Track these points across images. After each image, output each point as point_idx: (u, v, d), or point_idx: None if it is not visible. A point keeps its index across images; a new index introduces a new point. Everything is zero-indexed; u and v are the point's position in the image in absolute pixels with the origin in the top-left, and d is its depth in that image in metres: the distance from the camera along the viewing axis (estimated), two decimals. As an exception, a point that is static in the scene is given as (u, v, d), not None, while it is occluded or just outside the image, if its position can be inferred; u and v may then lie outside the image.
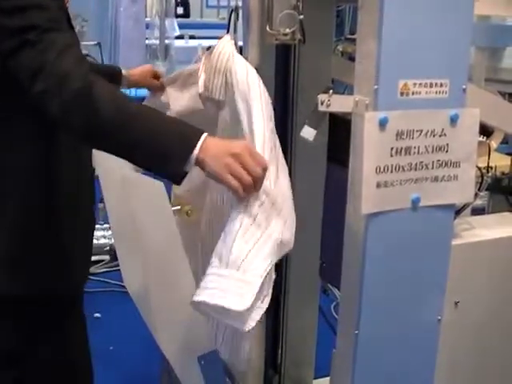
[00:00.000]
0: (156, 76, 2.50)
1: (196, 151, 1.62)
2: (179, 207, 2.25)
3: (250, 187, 1.64)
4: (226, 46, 2.07)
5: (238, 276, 1.61)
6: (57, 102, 1.62)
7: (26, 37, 1.64)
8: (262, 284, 1.63)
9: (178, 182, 1.67)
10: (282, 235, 1.71)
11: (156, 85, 2.48)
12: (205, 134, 1.65)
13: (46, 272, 1.95)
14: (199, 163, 1.63)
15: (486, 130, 2.45)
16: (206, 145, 1.63)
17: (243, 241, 1.65)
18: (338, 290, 2.15)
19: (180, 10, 11.15)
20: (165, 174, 1.68)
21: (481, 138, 2.25)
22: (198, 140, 1.63)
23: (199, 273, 2.13)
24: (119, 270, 2.46)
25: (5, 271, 1.91)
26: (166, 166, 1.65)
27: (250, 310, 1.60)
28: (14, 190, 1.88)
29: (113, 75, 2.39)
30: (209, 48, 2.21)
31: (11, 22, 1.65)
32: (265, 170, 1.66)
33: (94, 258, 4.69)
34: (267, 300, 1.66)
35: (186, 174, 1.64)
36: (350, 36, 2.94)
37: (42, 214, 1.92)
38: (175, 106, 2.36)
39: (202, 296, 1.60)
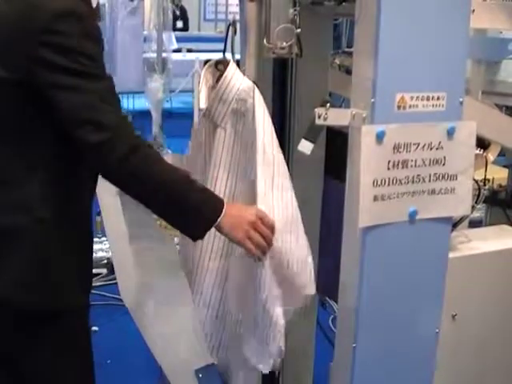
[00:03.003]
0: None
1: (219, 219, 1.87)
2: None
3: (264, 250, 1.93)
4: (234, 75, 2.06)
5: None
6: (109, 156, 1.77)
7: (73, 82, 1.74)
8: None
9: (196, 240, 1.96)
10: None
11: None
12: (226, 204, 1.89)
13: (60, 287, 1.96)
14: (218, 227, 1.89)
15: (482, 143, 2.45)
16: (226, 213, 1.88)
17: None
18: (336, 303, 2.15)
19: (179, 24, 11.19)
20: (190, 235, 1.93)
21: (478, 151, 2.26)
22: (222, 210, 1.87)
23: (194, 274, 2.22)
24: (116, 283, 2.45)
25: (23, 288, 1.92)
26: (191, 229, 1.91)
27: None
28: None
29: None
30: (206, 62, 2.21)
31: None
32: (274, 231, 1.93)
33: (91, 272, 4.70)
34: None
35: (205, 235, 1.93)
36: (347, 49, 2.94)
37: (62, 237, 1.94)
38: None
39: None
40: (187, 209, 1.86)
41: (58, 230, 1.91)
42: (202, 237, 1.92)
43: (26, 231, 1.88)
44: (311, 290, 2.08)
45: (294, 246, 2.00)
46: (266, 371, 2.10)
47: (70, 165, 1.89)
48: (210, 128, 2.17)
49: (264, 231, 1.91)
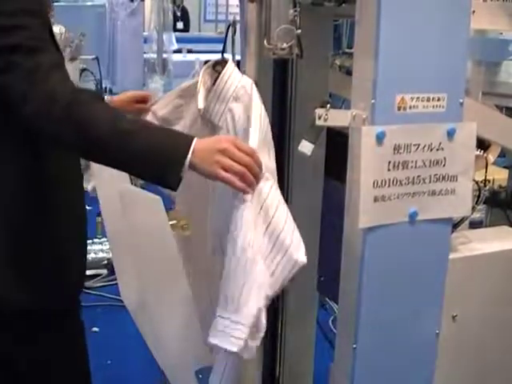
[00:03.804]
0: (143, 99, 2.37)
1: (189, 156, 1.69)
2: (175, 221, 2.25)
3: (244, 176, 1.72)
4: (232, 74, 2.06)
5: (234, 319, 1.75)
6: (48, 122, 1.69)
7: (11, 58, 1.70)
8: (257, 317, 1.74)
9: (175, 188, 1.74)
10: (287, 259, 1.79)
11: (143, 109, 2.36)
12: (195, 139, 1.72)
13: (46, 284, 1.96)
14: (192, 167, 1.71)
15: (483, 144, 2.45)
16: (196, 148, 1.70)
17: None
18: (336, 303, 2.15)
19: (180, 25, 11.20)
20: (161, 181, 1.76)
21: (478, 152, 2.26)
22: (190, 146, 1.70)
23: (193, 286, 2.17)
24: (117, 284, 2.45)
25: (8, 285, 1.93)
26: (162, 175, 1.73)
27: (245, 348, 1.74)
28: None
29: None
30: (206, 62, 2.21)
31: None
32: (253, 156, 1.73)
33: (91, 272, 4.71)
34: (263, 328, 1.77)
35: (181, 179, 1.72)
36: (347, 50, 2.94)
37: (36, 226, 1.94)
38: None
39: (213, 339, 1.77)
40: (152, 153, 1.70)
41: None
42: (177, 182, 1.72)
43: None
44: (302, 256, 1.80)
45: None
46: (234, 349, 1.74)
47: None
48: (208, 128, 2.17)
49: (240, 156, 1.71)
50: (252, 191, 1.75)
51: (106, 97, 2.37)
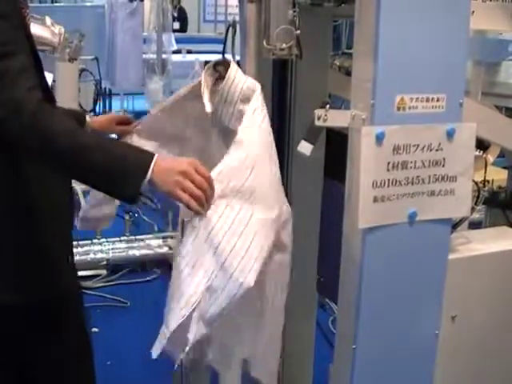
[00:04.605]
0: (124, 122, 2.37)
1: (149, 172, 1.75)
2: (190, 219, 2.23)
3: (200, 199, 1.78)
4: (237, 75, 2.06)
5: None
6: (14, 128, 1.72)
7: None
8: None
9: (133, 201, 1.83)
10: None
11: (124, 130, 2.35)
12: (155, 156, 1.78)
13: (33, 279, 1.99)
14: (152, 183, 1.76)
15: (482, 144, 2.45)
16: (158, 165, 1.76)
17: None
18: (336, 304, 2.15)
19: (176, 25, 11.18)
20: (120, 196, 1.86)
21: (477, 153, 2.26)
22: (151, 162, 1.76)
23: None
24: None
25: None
26: (121, 189, 1.79)
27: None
28: None
29: (78, 120, 2.26)
30: (206, 63, 2.21)
31: None
32: (210, 183, 1.80)
33: (91, 273, 4.71)
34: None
35: (140, 195, 1.79)
36: (347, 50, 2.95)
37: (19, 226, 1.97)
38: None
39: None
40: (112, 168, 1.77)
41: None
42: (135, 195, 1.78)
43: None
44: (249, 279, 1.80)
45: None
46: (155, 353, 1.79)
47: None
48: (220, 130, 2.17)
49: (199, 180, 1.78)
50: (204, 213, 1.80)
51: (87, 117, 2.34)
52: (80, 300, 2.24)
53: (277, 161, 1.96)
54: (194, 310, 1.78)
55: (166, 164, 1.78)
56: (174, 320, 1.78)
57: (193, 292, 1.79)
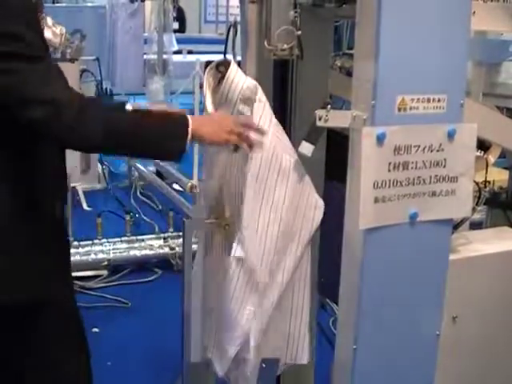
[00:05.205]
0: None
1: (190, 128, 1.91)
2: (217, 220, 2.23)
3: (249, 140, 1.96)
4: (236, 75, 2.05)
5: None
6: (58, 126, 1.82)
7: (12, 64, 1.76)
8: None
9: (180, 159, 1.96)
10: None
11: None
12: (188, 115, 1.96)
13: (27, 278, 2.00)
14: (197, 137, 1.93)
15: (483, 145, 2.45)
16: (194, 119, 1.94)
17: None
18: (337, 305, 2.15)
19: (175, 26, 11.19)
20: (169, 154, 2.00)
21: (478, 153, 2.25)
22: (187, 120, 1.92)
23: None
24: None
25: None
26: (169, 149, 1.95)
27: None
28: None
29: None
30: (207, 63, 2.21)
31: None
32: (252, 125, 1.97)
33: (91, 273, 4.70)
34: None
35: (186, 151, 1.93)
36: (348, 51, 2.95)
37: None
38: None
39: None
40: (159, 133, 1.94)
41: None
42: (183, 150, 1.93)
43: None
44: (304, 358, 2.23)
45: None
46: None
47: (23, 146, 1.94)
48: None
49: (235, 119, 1.97)
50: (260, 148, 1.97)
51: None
52: (68, 311, 2.21)
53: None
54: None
55: (203, 118, 2.03)
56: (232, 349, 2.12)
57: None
